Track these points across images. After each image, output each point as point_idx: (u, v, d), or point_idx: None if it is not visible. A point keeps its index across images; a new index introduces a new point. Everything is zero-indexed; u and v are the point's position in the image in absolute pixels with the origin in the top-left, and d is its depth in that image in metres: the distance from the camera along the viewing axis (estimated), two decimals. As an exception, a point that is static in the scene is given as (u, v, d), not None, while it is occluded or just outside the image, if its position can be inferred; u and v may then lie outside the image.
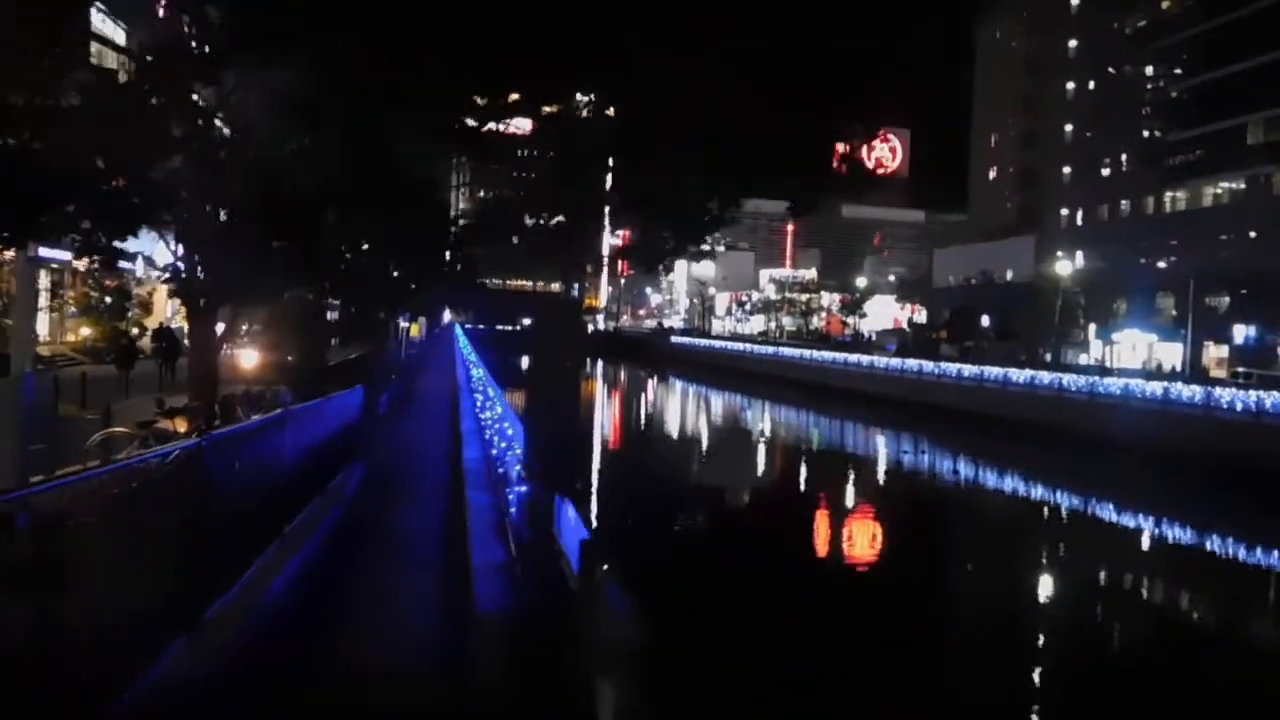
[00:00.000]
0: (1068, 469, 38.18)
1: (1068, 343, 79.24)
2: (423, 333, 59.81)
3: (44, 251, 34.75)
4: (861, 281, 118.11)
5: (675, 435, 54.82)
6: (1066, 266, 64.14)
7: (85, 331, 38.13)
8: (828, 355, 72.66)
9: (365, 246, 32.76)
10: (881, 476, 40.17)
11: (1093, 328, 79.25)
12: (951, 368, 54.15)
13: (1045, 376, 45.54)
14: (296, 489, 11.43)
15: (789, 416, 63.92)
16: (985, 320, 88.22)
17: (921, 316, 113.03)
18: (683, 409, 73.03)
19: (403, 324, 58.40)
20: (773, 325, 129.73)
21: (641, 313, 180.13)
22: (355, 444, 17.52)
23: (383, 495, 15.03)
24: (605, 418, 62.36)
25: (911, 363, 58.95)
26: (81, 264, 38.44)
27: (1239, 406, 34.97)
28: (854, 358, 68.12)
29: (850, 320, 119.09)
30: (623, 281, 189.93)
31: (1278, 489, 29.88)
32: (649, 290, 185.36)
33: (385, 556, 11.23)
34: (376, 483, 16.03)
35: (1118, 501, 32.58)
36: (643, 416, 65.74)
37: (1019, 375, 47.48)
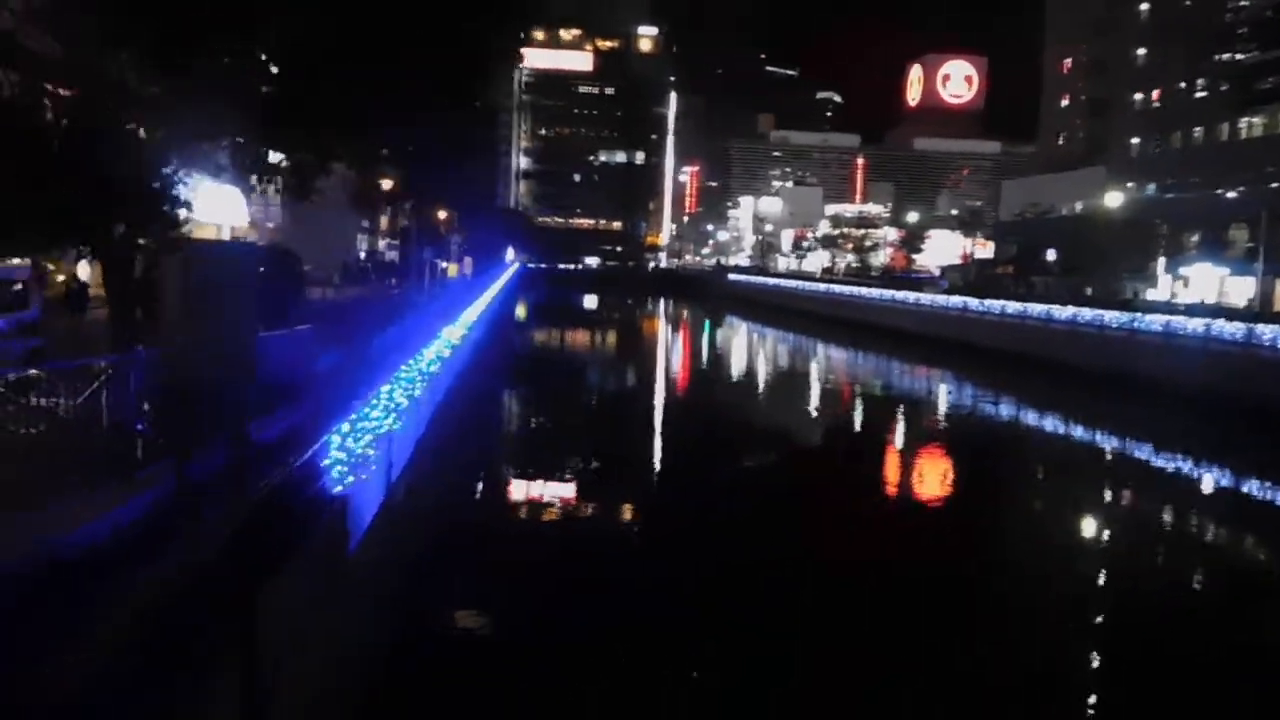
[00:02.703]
0: (1084, 408, 37.88)
1: (1137, 277, 76.60)
2: (465, 273, 59.97)
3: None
4: (913, 216, 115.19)
5: (693, 371, 55.30)
6: (1117, 198, 61.58)
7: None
8: (874, 293, 71.74)
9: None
10: (877, 413, 40.55)
11: (1162, 261, 76.42)
12: (996, 305, 52.88)
13: (1086, 313, 44.13)
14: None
15: (816, 350, 64.74)
16: (1050, 255, 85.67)
17: (989, 251, 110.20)
18: (716, 346, 73.13)
19: (440, 264, 58.76)
20: (835, 262, 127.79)
21: (706, 250, 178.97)
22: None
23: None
24: (641, 363, 62.49)
25: (956, 300, 57.91)
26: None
27: (1280, 344, 33.50)
28: (901, 295, 67.10)
29: (915, 256, 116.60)
30: (685, 219, 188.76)
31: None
32: (709, 227, 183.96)
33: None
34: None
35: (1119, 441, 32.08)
36: (674, 356, 65.72)
37: (1061, 313, 46.15)
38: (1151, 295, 72.98)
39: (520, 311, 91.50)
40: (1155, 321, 39.76)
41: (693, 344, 74.71)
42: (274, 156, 20.75)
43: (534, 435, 32.54)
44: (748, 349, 69.95)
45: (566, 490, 24.25)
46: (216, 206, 46.68)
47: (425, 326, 20.77)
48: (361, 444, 9.08)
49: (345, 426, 9.41)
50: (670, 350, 68.75)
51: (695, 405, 41.72)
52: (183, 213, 18.30)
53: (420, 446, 14.80)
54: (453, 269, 60.01)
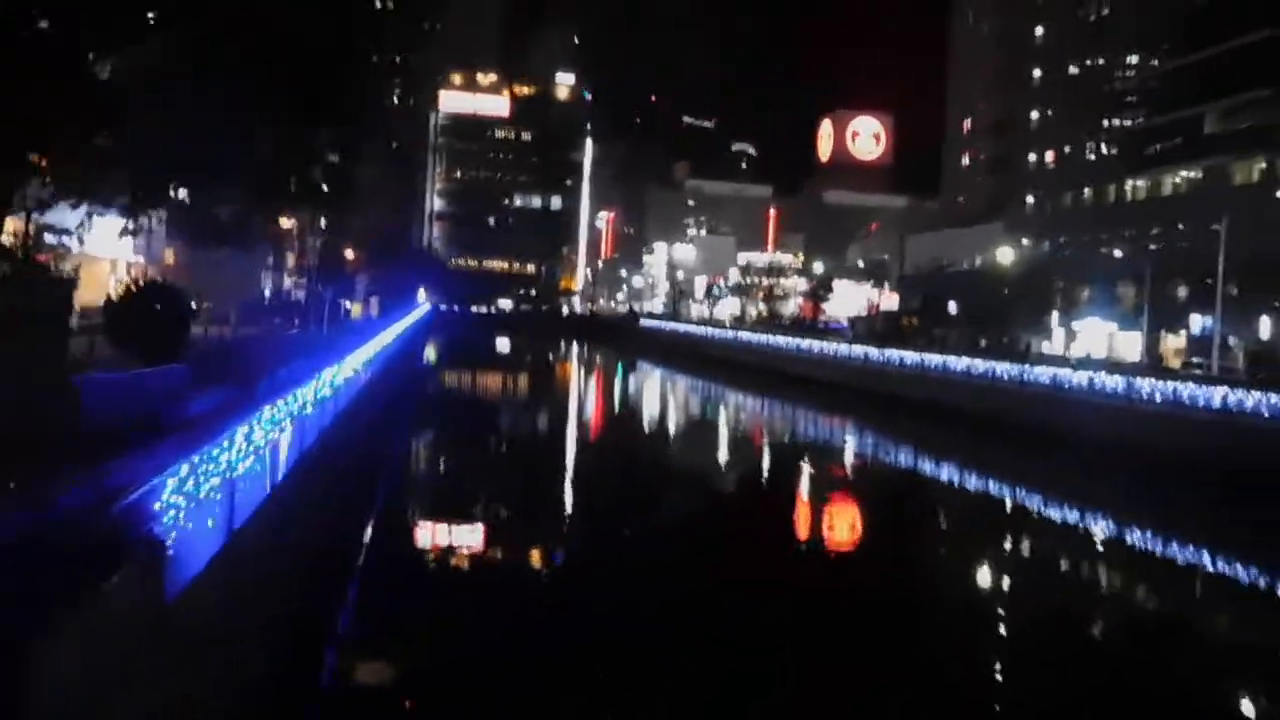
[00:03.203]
0: (969, 448, 39.75)
1: (1034, 330, 79.30)
2: (368, 312, 59.12)
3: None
4: (819, 267, 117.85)
5: (603, 416, 55.46)
6: (1009, 253, 64.06)
7: None
8: (781, 341, 73.07)
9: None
10: (781, 454, 41.88)
11: (1055, 315, 79.32)
12: (895, 354, 54.26)
13: (979, 365, 45.52)
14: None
15: (724, 396, 66.15)
16: (952, 307, 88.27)
17: (894, 302, 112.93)
18: (627, 391, 73.68)
19: (345, 304, 57.88)
20: (746, 310, 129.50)
21: (621, 295, 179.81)
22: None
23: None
24: (549, 407, 62.42)
25: (858, 349, 59.38)
26: (8, 235, 38.38)
27: (1158, 398, 34.93)
28: (806, 343, 68.48)
29: (824, 305, 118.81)
30: (600, 264, 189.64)
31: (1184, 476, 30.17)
32: (623, 272, 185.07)
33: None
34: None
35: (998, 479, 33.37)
36: (584, 401, 65.81)
37: (956, 363, 47.53)
38: (1046, 347, 75.67)
39: (430, 353, 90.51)
40: (1043, 374, 41.12)
41: (604, 389, 74.92)
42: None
43: (423, 481, 32.07)
44: (658, 395, 70.51)
45: (465, 535, 23.97)
46: (109, 239, 45.43)
47: (311, 366, 20.26)
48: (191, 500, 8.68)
49: (184, 472, 9.01)
50: (581, 395, 68.86)
51: (602, 450, 41.91)
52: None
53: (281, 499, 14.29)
54: (357, 309, 59.11)
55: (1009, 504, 32.88)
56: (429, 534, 24.09)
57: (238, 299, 56.23)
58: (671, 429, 50.66)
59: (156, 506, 8.28)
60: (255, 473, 11.69)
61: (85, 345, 25.62)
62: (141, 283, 25.84)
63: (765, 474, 38.00)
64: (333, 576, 17.67)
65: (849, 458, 41.62)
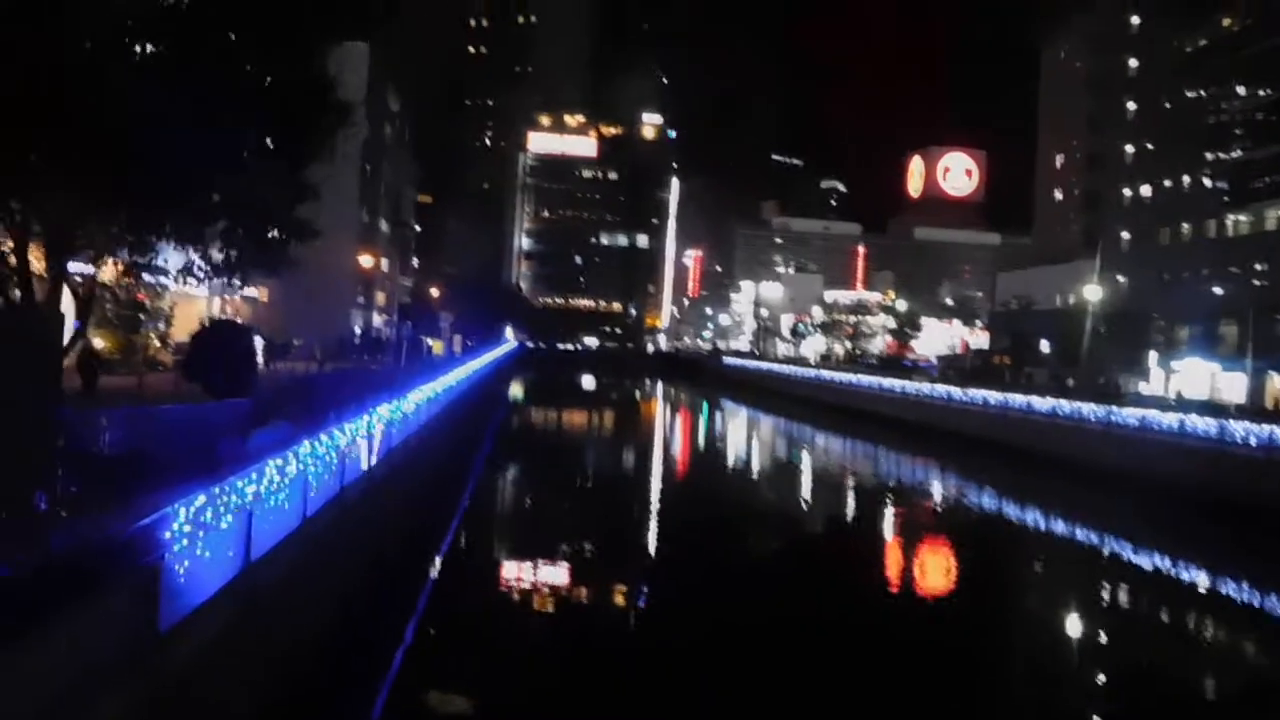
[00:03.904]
0: (1053, 495, 38.41)
1: (1132, 370, 76.55)
2: (449, 349, 60.17)
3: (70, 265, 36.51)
4: (902, 305, 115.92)
5: (683, 454, 55.07)
6: (1096, 291, 62.08)
7: (97, 344, 39.46)
8: (865, 380, 71.94)
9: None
10: (855, 497, 41.00)
11: (1153, 355, 76.43)
12: (979, 395, 52.89)
13: (1065, 406, 44.00)
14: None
15: (806, 436, 65.25)
16: (1045, 345, 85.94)
17: (984, 340, 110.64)
18: (707, 430, 73.28)
19: (427, 341, 59.10)
20: (834, 348, 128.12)
21: (708, 333, 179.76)
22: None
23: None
24: (630, 445, 62.57)
25: (940, 389, 58.12)
26: (108, 276, 40.33)
27: (1253, 442, 33.23)
28: (889, 382, 67.20)
29: (913, 344, 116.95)
30: (686, 302, 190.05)
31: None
32: (709, 310, 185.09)
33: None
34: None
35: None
36: (664, 441, 65.67)
37: (1041, 404, 46.08)
38: (1144, 389, 72.86)
39: (514, 389, 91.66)
40: (1131, 416, 39.52)
41: (682, 427, 74.68)
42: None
43: (480, 533, 32.17)
44: (739, 434, 69.93)
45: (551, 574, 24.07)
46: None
47: (369, 403, 20.65)
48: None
49: (198, 503, 9.22)
50: (661, 434, 68.67)
51: (682, 489, 41.96)
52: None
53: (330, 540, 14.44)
54: (438, 346, 60.24)
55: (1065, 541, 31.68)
56: (487, 597, 21.77)
57: (328, 336, 58.12)
58: (751, 471, 50.03)
59: (166, 535, 8.50)
60: (283, 507, 11.91)
61: (172, 379, 26.74)
62: (210, 322, 26.83)
63: (839, 517, 37.33)
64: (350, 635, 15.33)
65: (922, 500, 40.64)
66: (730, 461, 53.07)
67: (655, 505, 37.04)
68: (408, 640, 17.10)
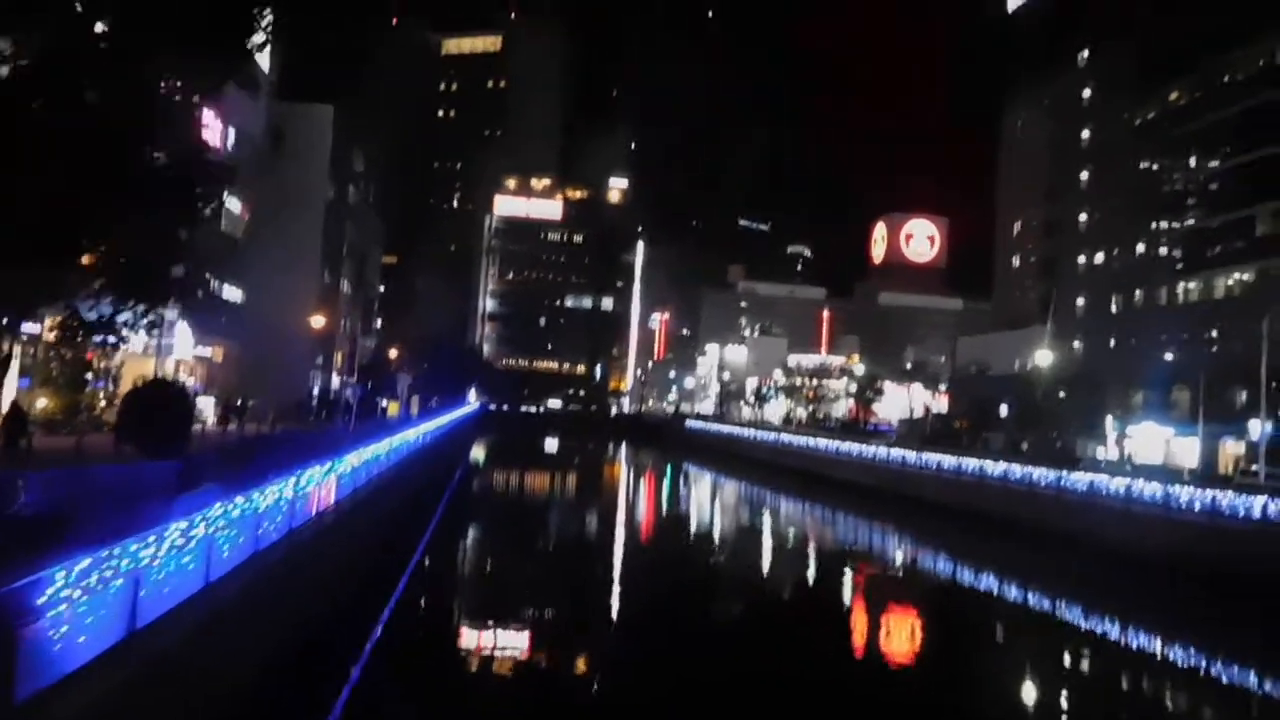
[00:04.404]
0: (1001, 560, 38.57)
1: (1088, 434, 77.28)
2: (405, 411, 59.72)
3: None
4: (860, 369, 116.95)
5: (642, 519, 54.67)
6: (1047, 357, 62.98)
7: (41, 403, 38.76)
8: (823, 443, 72.18)
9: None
10: (808, 559, 41.07)
11: (1109, 420, 77.30)
12: (932, 459, 53.15)
13: (1016, 470, 44.31)
14: None
15: (761, 499, 65.36)
16: (1004, 409, 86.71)
17: (943, 404, 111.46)
18: (666, 495, 73.03)
19: (381, 402, 58.67)
20: (796, 411, 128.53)
21: (673, 396, 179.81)
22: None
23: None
24: (589, 508, 62.23)
25: (896, 453, 58.39)
26: (51, 334, 39.78)
27: (1196, 507, 33.55)
28: (846, 446, 67.41)
29: (875, 408, 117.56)
30: (651, 365, 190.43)
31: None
32: (672, 374, 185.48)
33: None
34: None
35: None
36: (623, 505, 65.33)
37: (993, 468, 46.36)
38: (1100, 453, 73.50)
39: (474, 451, 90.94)
40: (1080, 481, 39.83)
41: (643, 493, 74.26)
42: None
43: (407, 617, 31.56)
44: (698, 499, 69.68)
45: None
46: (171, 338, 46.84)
47: (299, 463, 20.32)
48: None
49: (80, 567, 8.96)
50: (622, 499, 68.21)
51: (639, 554, 41.78)
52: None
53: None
54: (393, 407, 59.75)
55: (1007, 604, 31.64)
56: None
57: (286, 396, 57.54)
58: (709, 536, 49.69)
59: (37, 600, 8.25)
60: (185, 569, 11.62)
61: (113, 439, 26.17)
62: (143, 382, 26.51)
63: (795, 582, 37.08)
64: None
65: (870, 562, 40.65)
66: (689, 527, 52.72)
67: (614, 568, 36.90)
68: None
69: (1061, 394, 74.88)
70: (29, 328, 37.26)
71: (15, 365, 37.81)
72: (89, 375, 40.82)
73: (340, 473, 22.35)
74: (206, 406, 45.48)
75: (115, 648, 9.13)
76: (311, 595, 18.35)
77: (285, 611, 15.96)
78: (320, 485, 19.62)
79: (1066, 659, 26.44)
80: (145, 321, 21.42)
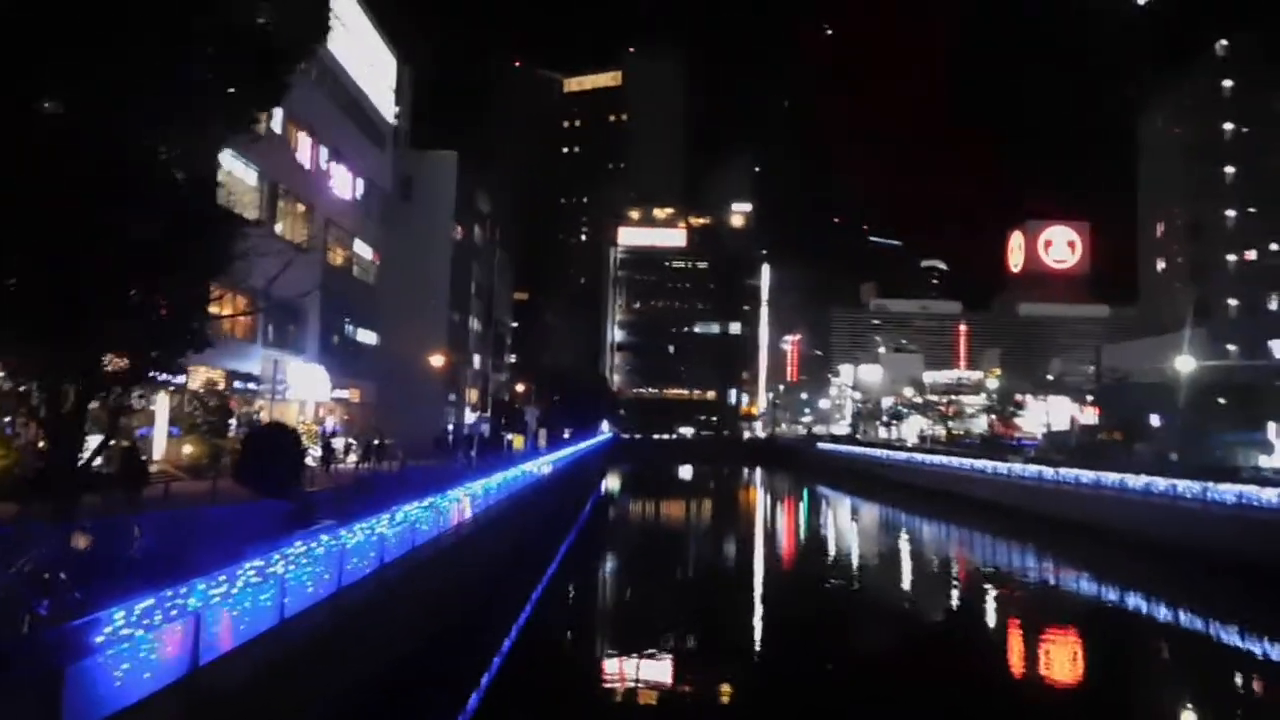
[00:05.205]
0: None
1: (1251, 443, 72.46)
2: (529, 445, 60.80)
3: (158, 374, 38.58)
4: (993, 382, 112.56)
5: (766, 545, 53.97)
6: (1189, 363, 59.26)
7: (186, 449, 41.30)
8: (956, 462, 69.90)
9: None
10: (947, 583, 39.79)
11: (1273, 427, 72.26)
12: (1070, 474, 50.80)
13: (1160, 483, 41.87)
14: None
15: (896, 522, 63.82)
16: (1155, 419, 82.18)
17: (1092, 416, 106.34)
18: (796, 519, 71.99)
19: (507, 436, 59.96)
20: (935, 428, 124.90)
21: (807, 418, 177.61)
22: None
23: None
24: (719, 535, 62.07)
25: (1032, 470, 56.11)
26: (197, 384, 42.46)
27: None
28: (981, 463, 65.15)
29: (1018, 421, 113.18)
30: (782, 388, 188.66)
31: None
32: (804, 395, 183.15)
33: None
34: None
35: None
36: (754, 528, 64.71)
37: (1134, 482, 43.98)
38: (1264, 462, 68.77)
39: (608, 481, 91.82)
40: (1229, 492, 37.33)
41: (775, 519, 73.38)
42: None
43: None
44: (830, 523, 68.45)
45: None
46: (293, 382, 49.38)
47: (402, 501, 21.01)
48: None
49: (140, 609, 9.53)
50: (759, 525, 67.54)
51: (774, 578, 41.33)
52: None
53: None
54: (518, 441, 61.01)
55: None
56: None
57: (423, 433, 59.57)
58: (841, 561, 48.57)
59: (95, 639, 8.82)
60: (260, 607, 12.20)
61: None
62: (256, 427, 27.96)
63: (933, 608, 35.90)
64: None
65: (1008, 585, 38.99)
66: (824, 553, 51.56)
67: (753, 596, 36.87)
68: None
69: (1221, 400, 70.56)
70: (177, 379, 40.01)
71: (164, 415, 40.58)
72: (232, 421, 43.36)
73: (457, 500, 23.12)
74: (344, 446, 47.62)
75: (177, 684, 9.69)
76: (403, 629, 18.89)
77: (370, 648, 16.47)
78: (418, 519, 20.22)
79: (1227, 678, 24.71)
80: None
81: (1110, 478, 46.36)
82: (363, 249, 60.74)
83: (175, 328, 14.55)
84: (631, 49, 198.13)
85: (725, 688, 22.84)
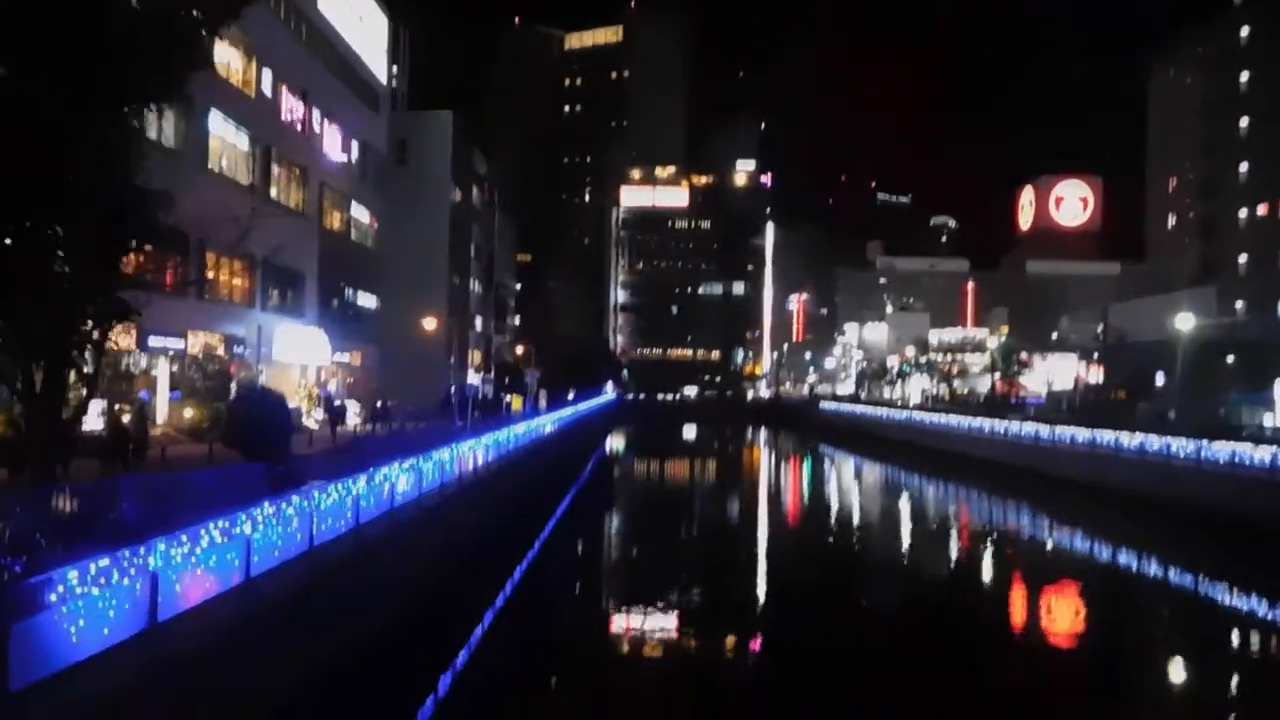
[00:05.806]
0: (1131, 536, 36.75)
1: (1257, 402, 72.32)
2: (528, 406, 61.03)
3: (158, 340, 38.83)
4: (993, 341, 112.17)
5: (760, 501, 54.39)
6: (1189, 320, 58.96)
7: (187, 413, 41.63)
8: (956, 421, 70.12)
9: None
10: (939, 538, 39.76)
11: (1279, 385, 72.05)
12: (1065, 433, 50.94)
13: (1154, 441, 41.92)
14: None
15: (895, 480, 64.52)
16: (1160, 379, 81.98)
17: (1098, 375, 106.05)
18: (793, 476, 72.44)
19: (505, 397, 60.20)
20: (938, 388, 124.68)
21: (812, 378, 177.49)
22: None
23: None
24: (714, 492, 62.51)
25: (1029, 429, 56.25)
26: (197, 348, 42.68)
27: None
28: (978, 423, 65.36)
29: (1024, 381, 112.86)
30: (786, 348, 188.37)
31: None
32: (808, 355, 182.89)
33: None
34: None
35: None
36: (755, 484, 65.11)
37: (1130, 440, 44.13)
38: (1269, 421, 68.61)
39: (610, 442, 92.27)
40: (1221, 452, 37.32)
41: (777, 476, 73.76)
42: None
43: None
44: (833, 480, 68.88)
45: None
46: (293, 346, 49.42)
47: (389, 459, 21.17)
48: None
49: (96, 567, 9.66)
50: (762, 482, 68.18)
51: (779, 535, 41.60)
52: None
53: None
54: (517, 402, 61.31)
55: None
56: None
57: (426, 396, 59.83)
58: (844, 520, 48.86)
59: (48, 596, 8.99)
60: (227, 565, 12.37)
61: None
62: (241, 390, 28.04)
63: (922, 559, 36.29)
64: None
65: (997, 540, 39.33)
66: (825, 512, 51.94)
67: (756, 547, 37.88)
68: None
69: (1229, 359, 70.39)
70: (176, 344, 40.31)
71: (165, 380, 40.81)
72: (232, 385, 43.64)
73: (444, 460, 23.40)
74: (344, 407, 47.87)
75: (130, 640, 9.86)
76: (382, 591, 19.11)
77: (345, 607, 16.69)
78: (394, 481, 20.41)
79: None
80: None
81: (1106, 436, 46.40)
82: (360, 212, 60.57)
83: (94, 301, 14.60)
84: (633, 3, 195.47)
85: (729, 641, 23.18)
